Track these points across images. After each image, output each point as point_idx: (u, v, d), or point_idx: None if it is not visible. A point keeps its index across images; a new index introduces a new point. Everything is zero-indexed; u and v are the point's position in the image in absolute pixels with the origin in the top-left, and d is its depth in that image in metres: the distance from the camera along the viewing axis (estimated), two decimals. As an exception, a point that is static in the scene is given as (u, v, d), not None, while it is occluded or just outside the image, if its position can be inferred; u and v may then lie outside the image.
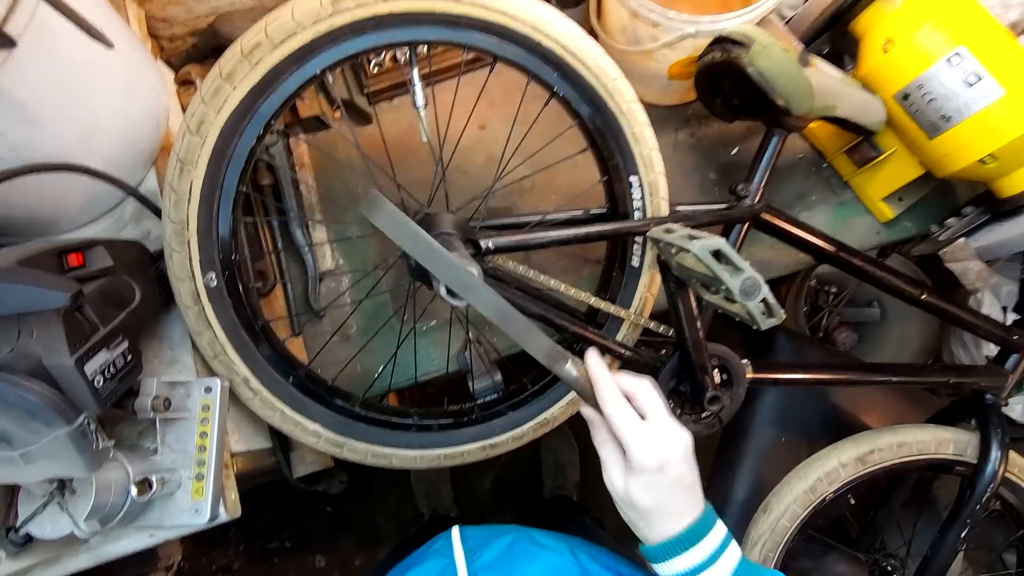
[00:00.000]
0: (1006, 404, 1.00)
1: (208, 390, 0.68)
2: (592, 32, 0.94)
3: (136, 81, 0.72)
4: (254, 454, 0.81)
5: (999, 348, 0.97)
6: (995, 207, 0.82)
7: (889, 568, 1.12)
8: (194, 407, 0.68)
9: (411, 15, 0.67)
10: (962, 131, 0.77)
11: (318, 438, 0.76)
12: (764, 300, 0.58)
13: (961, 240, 0.82)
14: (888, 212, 0.95)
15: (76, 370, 0.55)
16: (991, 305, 1.15)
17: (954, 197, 0.96)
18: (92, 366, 0.57)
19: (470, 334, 0.90)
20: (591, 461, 1.31)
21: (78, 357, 0.55)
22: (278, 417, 0.75)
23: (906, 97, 0.80)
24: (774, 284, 1.56)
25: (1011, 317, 1.12)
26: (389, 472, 0.96)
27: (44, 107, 0.61)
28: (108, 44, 0.55)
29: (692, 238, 0.60)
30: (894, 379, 1.00)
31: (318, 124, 1.00)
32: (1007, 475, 0.96)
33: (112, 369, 0.60)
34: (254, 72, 0.64)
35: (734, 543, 0.51)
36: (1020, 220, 0.79)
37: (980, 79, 0.74)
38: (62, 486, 0.58)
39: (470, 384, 0.87)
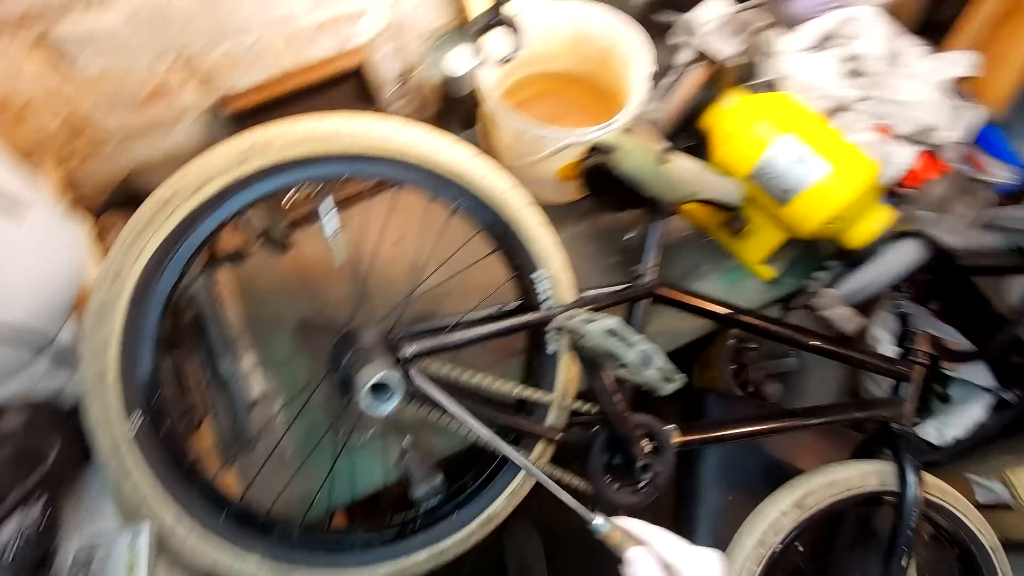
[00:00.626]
0: (912, 430, 1.08)
1: (133, 543, 0.66)
2: (488, 148, 1.06)
3: (51, 243, 0.74)
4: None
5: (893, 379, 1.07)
6: (849, 257, 0.96)
7: (849, 610, 1.14)
8: (117, 567, 0.65)
9: (317, 157, 0.75)
10: (804, 201, 0.91)
11: (259, 570, 0.74)
12: (660, 368, 0.65)
13: (828, 291, 0.94)
14: (768, 272, 1.07)
15: (-15, 541, 0.53)
16: (886, 342, 1.27)
17: (820, 253, 1.10)
18: (3, 536, 0.55)
19: (407, 439, 0.91)
20: (559, 555, 1.29)
21: (-13, 527, 0.53)
22: (211, 558, 0.72)
23: (754, 177, 0.95)
24: (696, 349, 1.67)
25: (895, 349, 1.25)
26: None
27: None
28: (17, 220, 0.58)
29: (589, 321, 0.67)
30: (809, 421, 1.08)
31: (238, 257, 1.05)
32: (933, 498, 1.03)
33: (25, 537, 0.57)
34: (171, 220, 0.69)
35: None
36: (870, 267, 0.92)
37: (808, 159, 0.89)
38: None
39: (410, 491, 0.87)
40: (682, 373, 0.67)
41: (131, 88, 0.88)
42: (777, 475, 1.27)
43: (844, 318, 0.94)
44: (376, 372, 0.60)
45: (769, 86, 1.01)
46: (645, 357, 0.63)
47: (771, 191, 0.94)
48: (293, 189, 0.79)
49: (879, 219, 0.94)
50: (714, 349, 1.67)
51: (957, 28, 1.19)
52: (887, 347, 1.20)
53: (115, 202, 1.03)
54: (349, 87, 1.06)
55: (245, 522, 0.75)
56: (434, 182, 0.81)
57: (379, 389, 0.63)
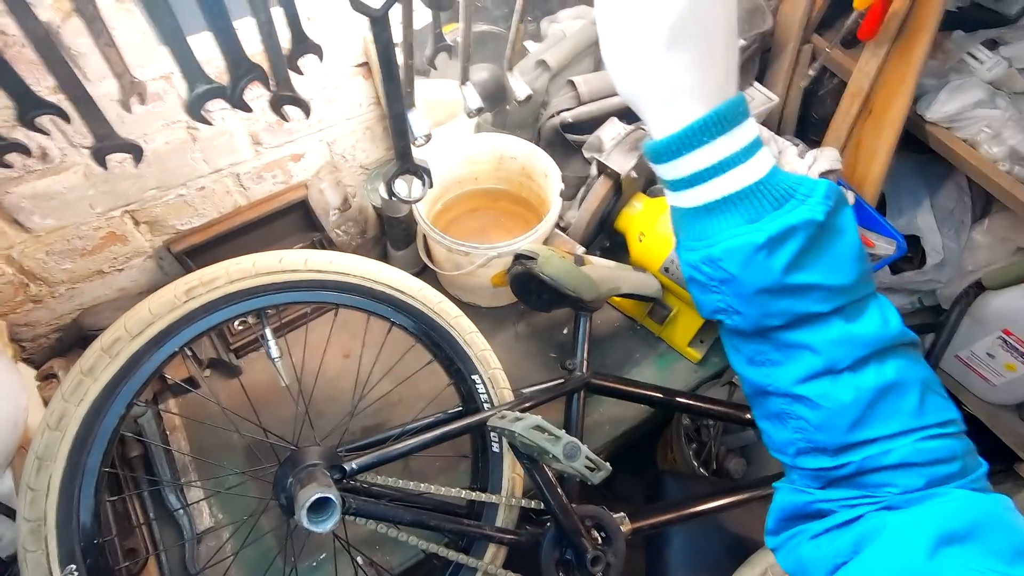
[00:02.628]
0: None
1: None
2: (425, 265, 1.15)
3: (-6, 392, 0.76)
4: None
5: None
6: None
7: None
8: None
9: (256, 288, 0.81)
10: (712, 287, 1.01)
11: None
12: (587, 458, 0.69)
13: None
14: (695, 354, 1.15)
15: None
16: None
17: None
18: None
19: (358, 559, 0.91)
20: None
21: None
22: None
23: (667, 270, 1.05)
24: (656, 431, 1.70)
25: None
26: None
27: None
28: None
29: (516, 420, 0.72)
30: (761, 492, 1.12)
31: (188, 385, 1.07)
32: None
33: None
34: (114, 363, 0.72)
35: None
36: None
37: (708, 250, 1.00)
38: None
39: (366, 614, 0.86)
40: (607, 464, 0.71)
41: (83, 237, 0.94)
42: (742, 551, 1.28)
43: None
44: (313, 493, 0.62)
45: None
46: (572, 449, 0.67)
47: (682, 281, 1.04)
48: (237, 320, 0.84)
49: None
50: (671, 432, 1.71)
51: (830, 126, 1.39)
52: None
53: (62, 346, 1.06)
54: (295, 216, 1.15)
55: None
56: (370, 302, 0.87)
57: (319, 507, 0.65)
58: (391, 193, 0.64)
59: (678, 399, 1.02)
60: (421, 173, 0.64)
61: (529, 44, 1.29)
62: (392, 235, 1.13)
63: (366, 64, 1.00)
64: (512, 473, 0.91)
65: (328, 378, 1.09)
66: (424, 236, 1.13)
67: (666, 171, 0.43)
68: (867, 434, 0.42)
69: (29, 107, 0.49)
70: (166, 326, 0.75)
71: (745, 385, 0.50)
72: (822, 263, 0.41)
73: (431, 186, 0.65)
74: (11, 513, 0.73)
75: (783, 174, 0.41)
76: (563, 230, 1.14)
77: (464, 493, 0.85)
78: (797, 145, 1.26)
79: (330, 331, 0.92)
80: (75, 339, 1.06)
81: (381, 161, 1.19)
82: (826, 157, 1.16)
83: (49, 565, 0.67)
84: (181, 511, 0.94)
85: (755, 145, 0.40)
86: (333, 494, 0.63)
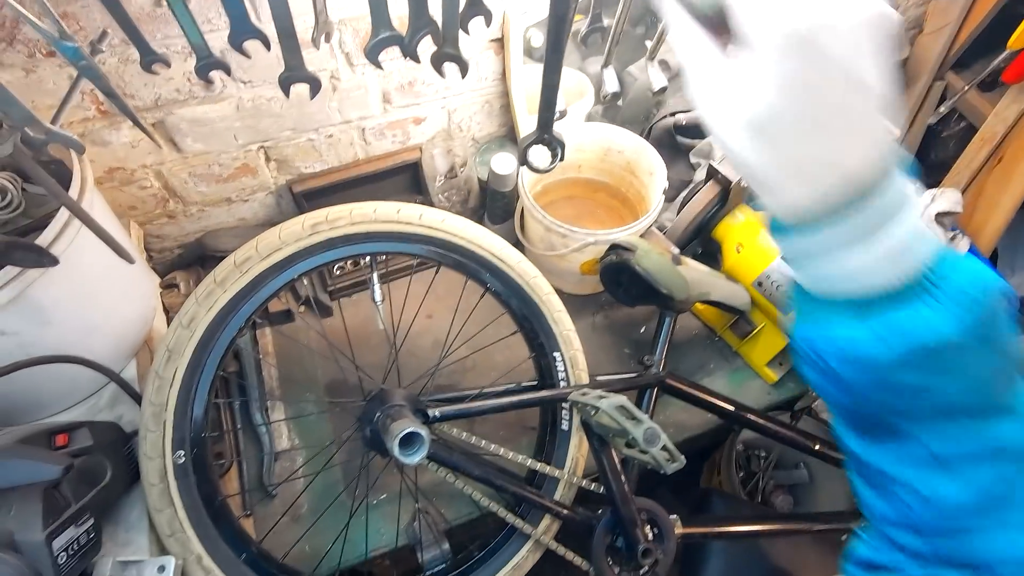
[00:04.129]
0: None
1: (161, 570, 0.70)
2: (518, 241, 1.18)
3: (134, 290, 0.86)
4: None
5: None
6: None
7: None
8: (145, 590, 0.69)
9: (372, 234, 0.86)
10: (805, 309, 0.99)
11: (265, 619, 0.77)
12: (665, 447, 0.70)
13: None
14: (772, 375, 1.13)
15: (45, 545, 0.59)
16: None
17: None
18: (59, 542, 0.61)
19: (419, 504, 0.95)
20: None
21: (49, 532, 0.59)
22: (227, 597, 0.75)
23: (760, 284, 1.04)
24: (703, 453, 1.68)
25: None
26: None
27: (59, 312, 0.72)
28: (131, 261, 0.69)
29: (601, 397, 0.74)
30: (813, 526, 1.09)
31: (284, 317, 1.15)
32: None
33: (76, 546, 0.63)
34: (243, 279, 0.80)
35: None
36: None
37: (808, 271, 0.99)
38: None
39: (419, 556, 0.90)
40: (683, 456, 0.72)
41: (222, 164, 1.03)
42: (787, 586, 1.26)
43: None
44: (407, 426, 0.67)
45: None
46: (652, 435, 0.69)
47: (774, 298, 1.03)
48: (348, 260, 0.90)
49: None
50: (722, 453, 1.68)
51: (952, 169, 1.33)
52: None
53: (182, 261, 1.16)
54: (405, 176, 1.21)
55: (260, 568, 0.79)
56: (471, 265, 0.91)
57: (406, 442, 0.70)
58: (524, 160, 0.68)
59: (749, 416, 1.02)
60: (555, 145, 0.67)
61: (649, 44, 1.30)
62: (492, 208, 1.17)
63: (500, 40, 1.04)
64: (577, 453, 0.93)
65: (411, 334, 1.14)
66: (522, 213, 1.16)
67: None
68: (977, 537, 0.36)
69: (242, 31, 0.55)
70: (290, 253, 0.82)
71: (839, 441, 0.43)
72: (950, 376, 0.32)
73: (562, 159, 0.68)
74: (136, 397, 0.82)
75: (921, 237, 0.32)
76: (659, 230, 1.14)
77: (530, 462, 0.88)
78: (914, 183, 1.21)
79: (428, 288, 0.97)
80: (194, 257, 1.15)
81: (492, 136, 1.23)
82: (947, 198, 1.12)
83: (164, 446, 0.75)
84: (264, 428, 1.02)
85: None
86: (423, 431, 0.67)
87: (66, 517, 0.62)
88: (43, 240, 0.67)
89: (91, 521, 0.66)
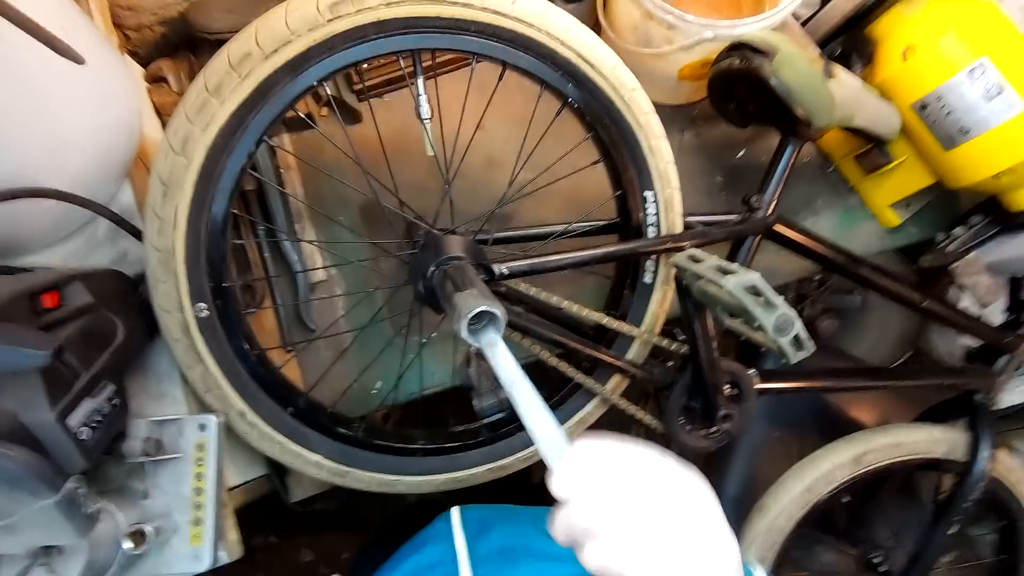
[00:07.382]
0: (994, 404, 1.02)
1: (203, 427, 0.64)
2: (597, 28, 0.89)
3: (107, 89, 0.64)
4: (250, 485, 0.77)
5: (984, 347, 0.98)
6: (1006, 220, 0.82)
7: (876, 560, 1.15)
8: (187, 447, 0.63)
9: (416, 20, 0.61)
10: (980, 145, 0.75)
11: (320, 468, 0.73)
12: (796, 335, 0.56)
13: (972, 255, 0.81)
14: (895, 219, 0.94)
15: (58, 425, 0.50)
16: (971, 303, 1.16)
17: (959, 204, 0.96)
18: (76, 418, 0.52)
19: (473, 348, 0.87)
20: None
21: (60, 410, 0.50)
22: (277, 450, 0.70)
23: (924, 107, 0.78)
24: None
25: (999, 317, 1.14)
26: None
27: (4, 126, 0.53)
28: (78, 60, 0.48)
29: (724, 272, 0.58)
30: (891, 383, 1.02)
31: (303, 123, 0.93)
32: (998, 475, 0.99)
33: (98, 417, 0.54)
34: (244, 85, 0.58)
35: None
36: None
37: (1001, 92, 0.72)
38: (48, 548, 0.54)
39: (475, 403, 0.84)
40: (812, 342, 0.58)
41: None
42: (828, 422, 1.23)
43: (985, 288, 0.82)
44: (478, 305, 0.52)
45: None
46: (786, 323, 0.54)
47: (939, 127, 0.78)
48: (385, 58, 0.66)
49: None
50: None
51: None
52: (996, 313, 1.09)
53: (168, 44, 0.91)
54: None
55: (308, 419, 0.73)
56: (548, 69, 0.67)
57: (476, 317, 0.56)
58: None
59: (864, 272, 0.85)
60: None
61: None
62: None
63: None
64: (659, 309, 0.80)
65: (459, 151, 0.93)
66: (608, -9, 0.86)
67: None
68: None
69: None
70: (305, 49, 0.59)
71: None
72: None
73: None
74: (136, 232, 0.67)
75: None
76: (793, 26, 0.84)
77: (607, 320, 0.75)
78: None
79: (491, 96, 0.73)
80: (182, 38, 0.90)
81: None
82: None
83: (180, 298, 0.62)
84: (296, 259, 0.89)
85: None
86: (498, 309, 0.52)
87: (77, 391, 0.52)
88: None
89: (110, 387, 0.56)
